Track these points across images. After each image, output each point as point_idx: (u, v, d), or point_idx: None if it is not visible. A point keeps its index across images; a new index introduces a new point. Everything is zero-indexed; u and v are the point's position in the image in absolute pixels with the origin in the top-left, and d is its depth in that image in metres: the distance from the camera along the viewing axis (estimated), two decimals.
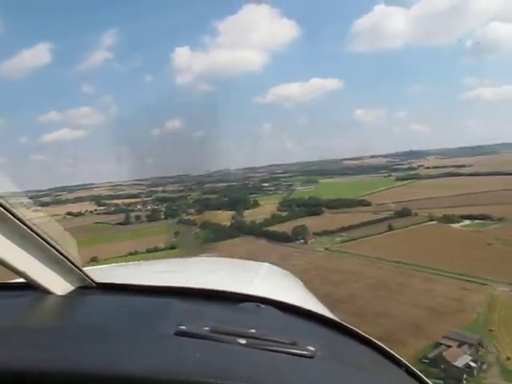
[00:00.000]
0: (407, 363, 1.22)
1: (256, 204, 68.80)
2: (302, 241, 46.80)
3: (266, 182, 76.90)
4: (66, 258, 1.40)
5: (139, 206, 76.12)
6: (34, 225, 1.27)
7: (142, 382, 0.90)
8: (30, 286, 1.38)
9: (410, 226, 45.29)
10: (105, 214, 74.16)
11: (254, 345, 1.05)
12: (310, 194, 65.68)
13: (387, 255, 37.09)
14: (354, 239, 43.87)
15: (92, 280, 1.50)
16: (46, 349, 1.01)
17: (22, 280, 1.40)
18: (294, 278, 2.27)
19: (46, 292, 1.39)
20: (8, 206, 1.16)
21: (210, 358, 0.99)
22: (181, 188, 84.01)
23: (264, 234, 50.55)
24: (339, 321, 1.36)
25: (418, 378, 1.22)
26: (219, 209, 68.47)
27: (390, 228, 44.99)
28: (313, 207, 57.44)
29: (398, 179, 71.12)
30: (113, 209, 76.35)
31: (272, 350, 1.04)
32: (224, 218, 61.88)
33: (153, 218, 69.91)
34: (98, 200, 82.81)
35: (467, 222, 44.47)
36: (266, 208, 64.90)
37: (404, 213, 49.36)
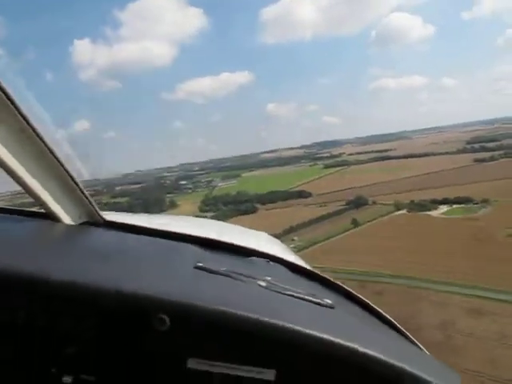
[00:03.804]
0: (391, 318, 1.20)
1: (174, 205, 53.47)
2: None
3: (183, 180, 61.91)
4: (81, 191, 1.31)
5: None
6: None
7: (163, 304, 0.86)
8: (38, 214, 1.34)
9: (377, 219, 32.34)
10: None
11: (275, 289, 1.00)
12: (234, 189, 52.25)
13: (374, 266, 23.25)
14: (314, 244, 29.04)
15: (102, 217, 1.39)
16: (70, 264, 1.00)
17: (32, 209, 1.38)
18: (291, 249, 2.15)
19: (56, 221, 1.31)
20: (36, 127, 1.09)
21: (231, 292, 0.95)
22: (90, 193, 66.63)
23: None
24: (342, 285, 1.30)
25: (399, 331, 1.17)
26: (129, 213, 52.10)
27: (355, 224, 31.54)
28: (243, 204, 44.23)
29: (327, 167, 60.26)
30: None
31: (294, 296, 0.98)
32: None
33: None
34: None
35: (444, 207, 32.36)
36: (185, 209, 50.16)
37: (359, 202, 36.60)
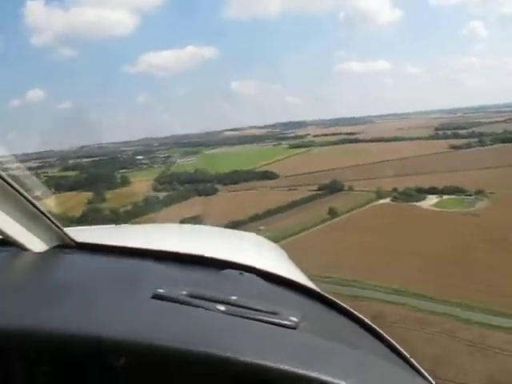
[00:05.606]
0: (389, 338, 1.09)
1: (125, 182, 46.37)
2: None
3: (141, 155, 54.69)
4: (45, 216, 1.26)
5: None
6: (12, 179, 1.12)
7: (117, 345, 0.84)
8: (7, 243, 1.25)
9: (358, 208, 26.95)
10: None
11: (234, 312, 0.96)
12: (193, 166, 45.80)
13: (370, 277, 17.13)
14: (286, 237, 23.15)
15: (71, 239, 1.36)
16: (20, 305, 0.95)
17: None
18: (281, 249, 2.01)
19: (22, 249, 1.25)
20: None
21: (187, 323, 0.91)
22: (40, 164, 58.52)
23: None
24: (322, 292, 1.23)
25: (400, 355, 1.08)
26: (73, 190, 44.44)
27: (333, 214, 25.93)
28: (202, 183, 38.15)
29: (292, 147, 54.69)
30: None
31: (253, 319, 0.94)
32: (75, 204, 37.54)
33: None
34: None
35: (434, 198, 27.32)
36: (137, 187, 43.41)
37: (334, 187, 31.16)
